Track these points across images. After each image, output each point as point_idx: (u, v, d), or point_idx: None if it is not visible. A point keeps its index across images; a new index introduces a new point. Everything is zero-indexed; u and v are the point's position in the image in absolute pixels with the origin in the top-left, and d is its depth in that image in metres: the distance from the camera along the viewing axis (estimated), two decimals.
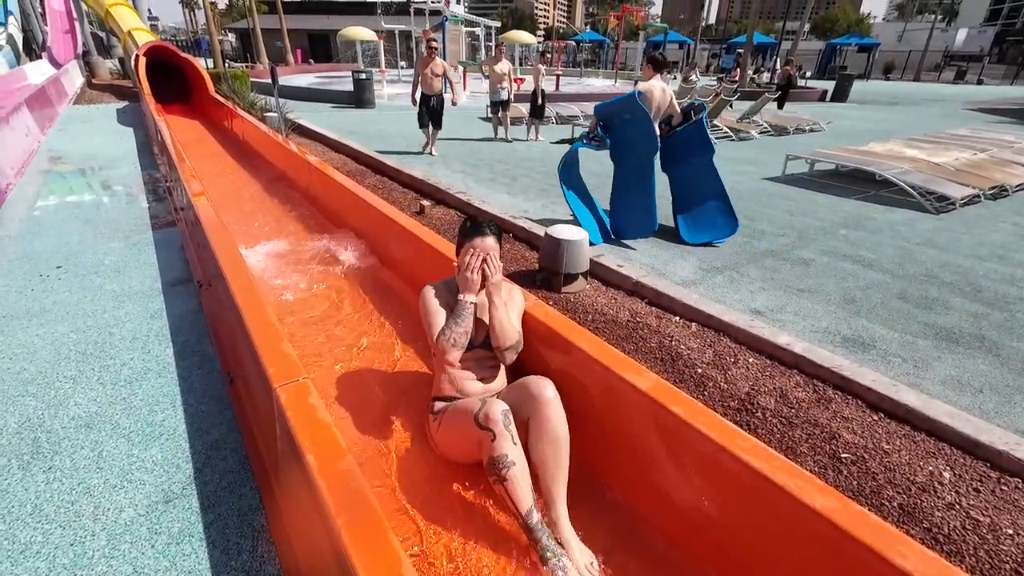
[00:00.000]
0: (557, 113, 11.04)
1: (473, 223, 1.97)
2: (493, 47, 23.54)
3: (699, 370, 2.63)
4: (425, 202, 5.21)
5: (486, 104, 9.48)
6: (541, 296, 3.24)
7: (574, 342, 1.93)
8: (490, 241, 1.92)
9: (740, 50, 21.73)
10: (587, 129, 4.42)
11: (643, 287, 3.44)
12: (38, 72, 12.97)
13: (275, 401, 1.55)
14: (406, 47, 23.55)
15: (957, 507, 1.86)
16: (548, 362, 2.06)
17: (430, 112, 7.28)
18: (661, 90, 4.20)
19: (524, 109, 9.87)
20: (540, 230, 3.99)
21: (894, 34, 50.23)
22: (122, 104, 12.14)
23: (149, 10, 26.73)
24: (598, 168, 5.61)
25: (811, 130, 10.96)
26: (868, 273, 3.87)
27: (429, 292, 1.98)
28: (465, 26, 22.79)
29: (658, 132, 4.19)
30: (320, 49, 31.70)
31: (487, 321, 1.95)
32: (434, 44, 7.15)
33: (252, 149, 7.34)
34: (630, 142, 4.21)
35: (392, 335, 2.82)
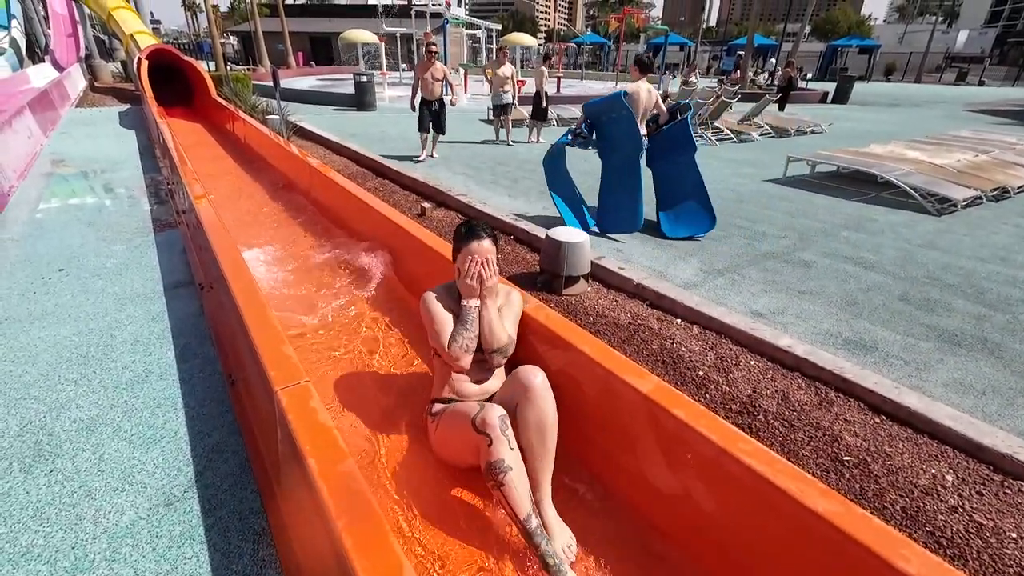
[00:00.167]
0: (558, 115, 11.05)
1: (468, 227, 1.98)
2: (494, 50, 23.63)
3: (700, 373, 2.63)
4: (426, 204, 5.21)
5: (487, 106, 9.49)
6: (542, 299, 3.23)
7: (575, 344, 1.93)
8: (486, 244, 1.93)
9: (741, 52, 21.73)
10: (574, 126, 4.61)
11: (644, 289, 3.44)
12: (41, 75, 13.01)
13: (276, 404, 1.55)
14: (407, 50, 23.63)
15: (960, 510, 1.85)
16: (549, 364, 2.06)
17: (431, 116, 7.25)
18: (647, 91, 4.42)
19: (525, 112, 9.90)
20: (541, 232, 4.00)
21: (895, 36, 50.21)
22: (124, 107, 12.18)
23: (151, 13, 26.86)
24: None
25: (812, 132, 10.95)
26: (870, 275, 3.86)
27: (431, 298, 1.98)
28: (466, 29, 22.88)
29: (644, 131, 4.39)
30: (322, 52, 31.77)
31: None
32: (433, 48, 7.14)
33: (254, 152, 7.36)
34: (616, 140, 4.38)
35: (393, 337, 2.82)
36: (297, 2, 39.31)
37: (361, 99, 12.90)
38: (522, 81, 12.34)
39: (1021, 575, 1.63)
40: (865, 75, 31.49)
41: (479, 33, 22.94)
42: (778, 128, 10.78)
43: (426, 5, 18.69)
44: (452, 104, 7.39)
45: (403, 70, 21.94)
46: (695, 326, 3.09)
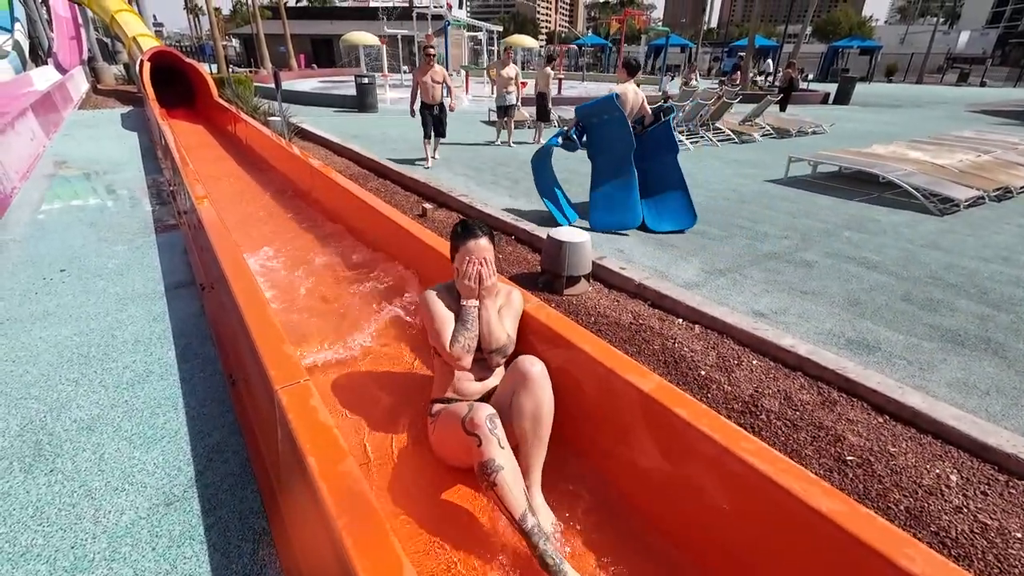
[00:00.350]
0: (559, 117, 11.05)
1: (465, 226, 1.97)
2: (495, 51, 23.70)
3: (702, 372, 2.62)
4: (427, 205, 5.22)
5: (489, 108, 9.49)
6: (543, 299, 3.23)
7: (576, 343, 1.92)
8: (483, 243, 1.93)
9: (742, 54, 21.72)
10: (565, 128, 4.79)
11: (646, 289, 3.43)
12: (44, 78, 13.08)
13: (276, 403, 1.54)
14: (408, 52, 23.66)
15: (965, 510, 1.84)
16: (550, 363, 2.04)
17: (433, 121, 7.18)
18: (634, 92, 4.67)
19: (527, 113, 9.90)
20: (542, 232, 3.99)
21: (896, 37, 50.20)
22: (127, 109, 12.22)
23: (154, 16, 26.97)
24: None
25: (813, 132, 10.93)
26: (872, 275, 3.85)
27: (431, 297, 1.97)
28: (467, 31, 22.94)
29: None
30: (323, 54, 31.84)
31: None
32: (431, 51, 7.09)
33: (256, 153, 7.37)
34: (609, 140, 4.56)
35: (393, 337, 2.81)
36: (299, 4, 39.42)
37: (362, 101, 12.92)
38: (523, 83, 12.36)
39: None
40: (866, 76, 31.46)
41: (480, 35, 23.00)
42: (779, 129, 10.77)
43: (428, 7, 18.73)
44: (451, 110, 7.36)
45: (404, 72, 21.98)
46: (697, 326, 3.08)
